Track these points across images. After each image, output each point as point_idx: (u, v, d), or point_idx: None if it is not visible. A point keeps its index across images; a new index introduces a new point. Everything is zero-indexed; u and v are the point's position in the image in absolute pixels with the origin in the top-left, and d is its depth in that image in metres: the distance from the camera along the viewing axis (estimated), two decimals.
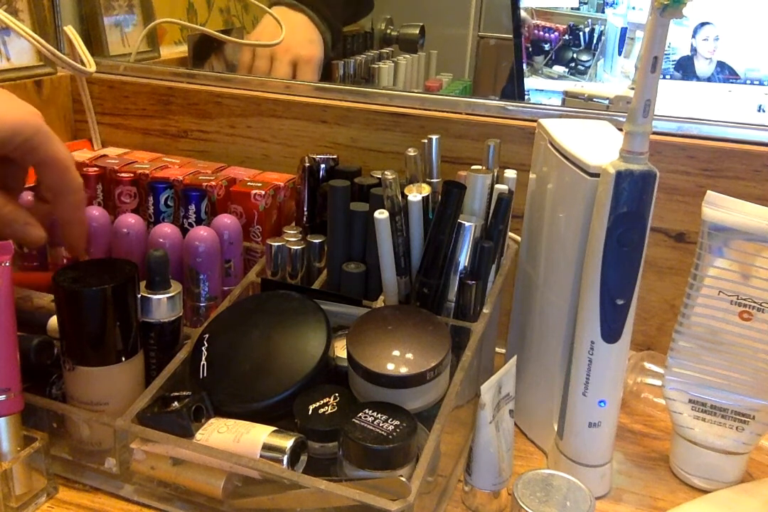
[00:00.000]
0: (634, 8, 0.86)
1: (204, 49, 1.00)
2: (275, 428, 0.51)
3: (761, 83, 0.78)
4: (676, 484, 0.60)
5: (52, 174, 0.56)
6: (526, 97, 0.91)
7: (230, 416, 0.53)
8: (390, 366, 0.50)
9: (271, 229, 0.72)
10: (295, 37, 0.94)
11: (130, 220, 0.65)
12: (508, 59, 0.94)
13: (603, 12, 0.87)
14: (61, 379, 0.57)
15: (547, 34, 0.90)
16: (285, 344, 0.56)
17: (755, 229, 0.54)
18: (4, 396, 0.51)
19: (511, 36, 0.92)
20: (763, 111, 0.78)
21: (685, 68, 0.80)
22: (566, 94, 0.87)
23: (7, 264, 0.51)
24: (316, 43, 0.96)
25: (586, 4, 0.88)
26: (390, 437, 0.48)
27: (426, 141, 0.61)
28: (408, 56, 1.08)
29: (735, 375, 0.57)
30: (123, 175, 0.72)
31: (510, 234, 0.65)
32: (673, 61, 0.80)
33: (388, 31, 1.10)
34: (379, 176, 0.58)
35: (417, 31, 1.09)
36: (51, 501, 0.55)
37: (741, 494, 0.57)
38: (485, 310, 0.59)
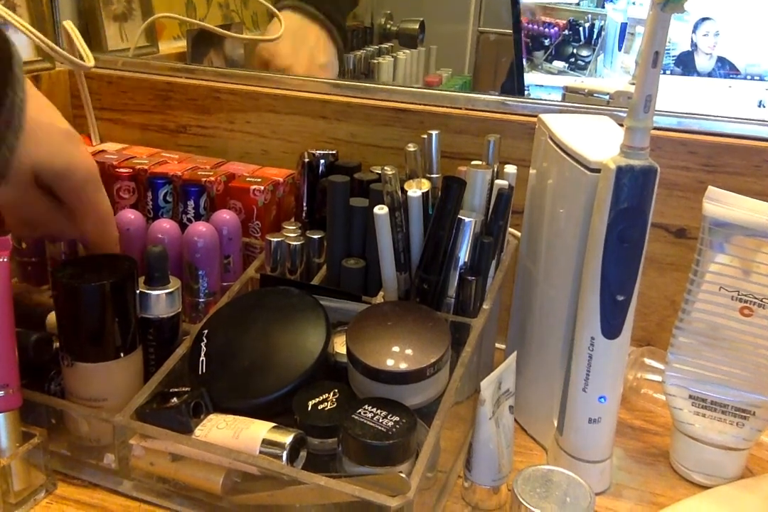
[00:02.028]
0: (634, 3, 0.86)
1: (203, 44, 1.00)
2: (274, 424, 0.51)
3: (761, 78, 0.78)
4: (676, 480, 0.60)
5: (92, 224, 0.57)
6: (526, 92, 0.91)
7: (229, 412, 0.52)
8: (389, 362, 0.50)
9: (271, 225, 0.72)
10: (318, 58, 0.91)
11: (129, 216, 0.65)
12: (508, 54, 0.94)
13: (603, 7, 0.87)
14: (60, 375, 0.57)
15: (546, 29, 0.89)
16: (284, 340, 0.55)
17: (756, 224, 0.54)
18: (2, 392, 0.51)
19: (510, 31, 0.91)
20: (764, 106, 0.78)
21: (686, 64, 0.80)
22: (566, 89, 0.86)
23: (5, 259, 0.51)
24: (334, 64, 0.93)
25: None
26: (389, 433, 0.48)
27: (426, 136, 0.61)
28: (408, 51, 1.08)
29: (735, 371, 0.57)
30: (122, 170, 0.72)
31: (510, 229, 0.65)
32: (673, 56, 0.80)
33: (388, 26, 1.10)
34: (379, 172, 0.58)
35: (417, 27, 1.09)
36: (50, 497, 0.55)
37: (741, 490, 0.57)
38: (485, 306, 0.59)
